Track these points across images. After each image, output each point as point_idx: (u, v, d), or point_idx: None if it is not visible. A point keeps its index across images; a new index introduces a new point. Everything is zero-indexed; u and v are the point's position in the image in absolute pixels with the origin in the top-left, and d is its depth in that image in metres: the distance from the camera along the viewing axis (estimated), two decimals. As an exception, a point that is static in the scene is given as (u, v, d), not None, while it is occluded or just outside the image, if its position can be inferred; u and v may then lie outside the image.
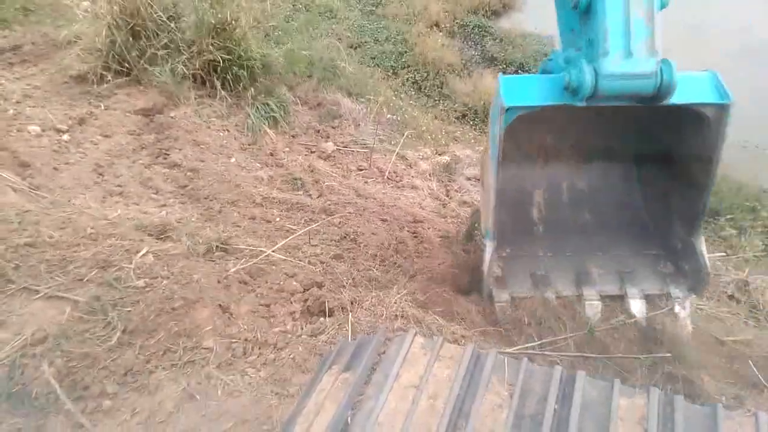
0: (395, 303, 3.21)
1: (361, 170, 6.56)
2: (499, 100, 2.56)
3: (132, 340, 2.69)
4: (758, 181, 8.29)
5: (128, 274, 2.99)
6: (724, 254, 5.86)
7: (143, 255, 3.17)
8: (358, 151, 6.92)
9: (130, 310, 2.78)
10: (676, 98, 2.55)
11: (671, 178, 2.80)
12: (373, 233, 4.83)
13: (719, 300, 5.02)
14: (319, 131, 7.21)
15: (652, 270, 2.91)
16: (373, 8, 12.35)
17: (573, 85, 2.45)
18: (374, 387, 1.57)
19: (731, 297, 5.09)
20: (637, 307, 2.82)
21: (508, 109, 2.47)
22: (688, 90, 2.66)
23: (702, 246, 2.83)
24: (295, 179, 5.84)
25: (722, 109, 2.68)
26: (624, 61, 2.36)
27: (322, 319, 3.18)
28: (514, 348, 2.73)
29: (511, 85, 2.58)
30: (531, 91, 2.66)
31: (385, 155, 6.97)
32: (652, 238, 2.95)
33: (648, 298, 2.89)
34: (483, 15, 12.68)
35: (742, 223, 7.39)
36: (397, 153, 7.01)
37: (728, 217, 7.46)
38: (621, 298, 2.91)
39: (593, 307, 2.81)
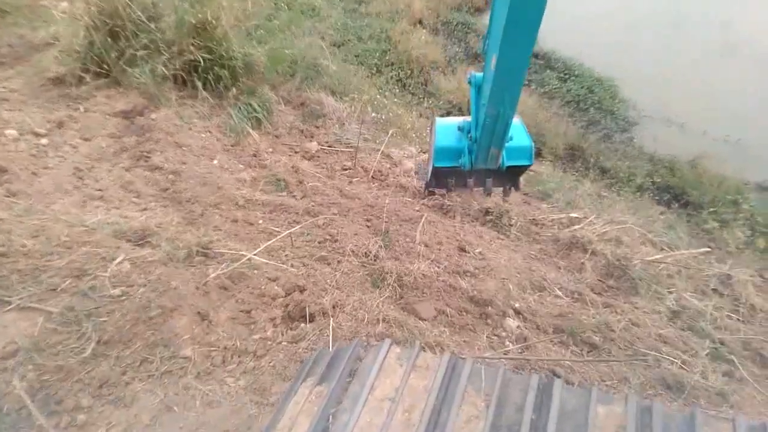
0: (377, 306, 3.17)
1: (346, 170, 6.51)
2: (432, 149, 5.12)
3: (107, 351, 2.62)
4: (740, 174, 8.36)
5: (104, 282, 2.91)
6: (708, 249, 5.89)
7: (119, 263, 3.09)
8: (342, 151, 6.87)
9: (105, 320, 2.71)
10: (509, 161, 5.00)
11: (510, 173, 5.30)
12: (356, 234, 4.79)
13: (704, 293, 5.06)
14: (302, 131, 7.15)
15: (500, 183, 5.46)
16: (356, 6, 12.28)
17: (463, 163, 4.90)
18: (349, 400, 1.53)
19: (714, 291, 5.13)
20: (488, 184, 5.33)
21: (435, 167, 5.04)
22: (518, 155, 5.08)
23: (519, 183, 5.41)
24: (279, 180, 5.78)
25: (529, 164, 5.12)
26: (484, 164, 4.86)
27: (303, 324, 3.13)
28: (492, 353, 2.72)
29: (439, 151, 5.07)
30: (446, 155, 5.08)
31: (370, 154, 6.93)
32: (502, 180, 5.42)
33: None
34: (466, 12, 12.68)
35: (724, 216, 7.46)
36: (382, 152, 6.97)
37: (711, 210, 7.53)
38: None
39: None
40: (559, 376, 3.43)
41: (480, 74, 5.15)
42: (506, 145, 5.16)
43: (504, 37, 3.90)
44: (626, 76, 10.62)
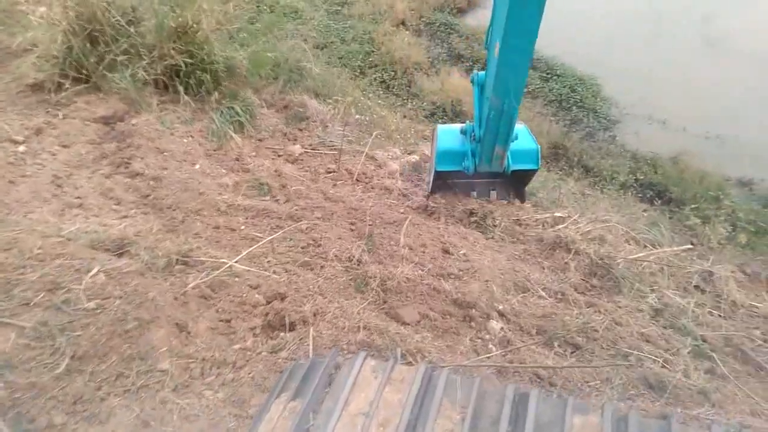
0: (358, 314, 3.14)
1: (330, 173, 6.47)
2: (434, 150, 5.49)
3: (82, 367, 2.56)
4: (721, 170, 8.47)
5: (78, 295, 2.85)
6: (690, 246, 5.94)
7: (94, 274, 3.03)
8: (326, 153, 6.84)
9: (79, 335, 2.65)
10: (515, 165, 5.26)
11: (515, 180, 5.81)
12: (339, 238, 4.76)
13: (686, 290, 5.09)
14: (286, 134, 7.10)
15: (505, 191, 5.95)
16: (339, 8, 12.26)
17: (466, 167, 5.21)
18: (323, 416, 1.51)
19: (696, 287, 5.16)
20: (492, 197, 5.87)
21: (437, 171, 5.43)
22: (524, 158, 5.31)
23: (525, 193, 5.91)
24: (262, 184, 5.73)
25: (535, 168, 5.39)
26: (488, 167, 5.16)
27: (282, 334, 3.09)
28: (473, 359, 2.70)
29: (441, 154, 5.36)
30: (449, 159, 5.38)
31: (354, 156, 6.90)
32: (507, 190, 5.96)
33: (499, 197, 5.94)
34: (449, 12, 12.70)
35: (706, 212, 7.54)
36: (366, 154, 6.94)
37: (692, 206, 7.60)
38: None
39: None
40: (542, 379, 3.43)
41: (482, 73, 5.14)
42: (511, 148, 5.14)
43: (508, 19, 3.87)
44: (608, 74, 10.71)
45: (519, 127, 5.24)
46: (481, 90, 5.23)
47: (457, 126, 5.66)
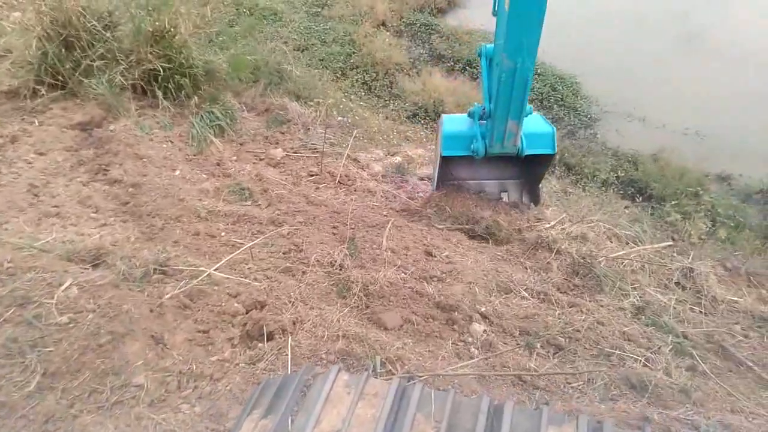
0: (338, 321, 3.10)
1: (312, 176, 6.44)
2: (439, 140, 5.24)
3: (53, 384, 2.51)
4: (700, 166, 8.55)
5: (50, 310, 2.79)
6: (670, 243, 5.98)
7: (67, 288, 2.97)
8: (308, 156, 6.80)
9: (51, 351, 2.60)
10: (529, 149, 4.99)
11: (528, 172, 5.66)
12: (321, 242, 4.73)
13: (667, 287, 5.12)
14: (267, 137, 7.06)
15: (517, 192, 5.77)
16: (319, 9, 12.19)
17: (475, 149, 4.95)
18: (294, 433, 1.48)
19: (677, 284, 5.20)
20: (504, 199, 5.63)
21: (444, 157, 5.19)
22: (539, 141, 5.03)
23: (539, 191, 5.71)
24: (243, 189, 5.68)
25: (552, 154, 5.14)
26: (500, 147, 4.90)
27: (261, 344, 3.05)
28: (452, 367, 2.69)
29: (447, 138, 5.09)
30: (455, 143, 5.12)
31: (337, 159, 6.87)
32: (520, 186, 5.77)
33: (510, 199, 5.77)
34: (429, 13, 12.69)
35: (686, 208, 7.61)
36: (349, 156, 6.92)
37: (673, 203, 7.66)
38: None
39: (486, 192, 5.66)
40: (524, 381, 3.43)
41: (490, 45, 4.99)
42: (525, 131, 4.95)
43: None
44: (588, 72, 10.77)
45: (533, 114, 5.15)
46: (489, 63, 5.04)
47: (464, 114, 5.45)
